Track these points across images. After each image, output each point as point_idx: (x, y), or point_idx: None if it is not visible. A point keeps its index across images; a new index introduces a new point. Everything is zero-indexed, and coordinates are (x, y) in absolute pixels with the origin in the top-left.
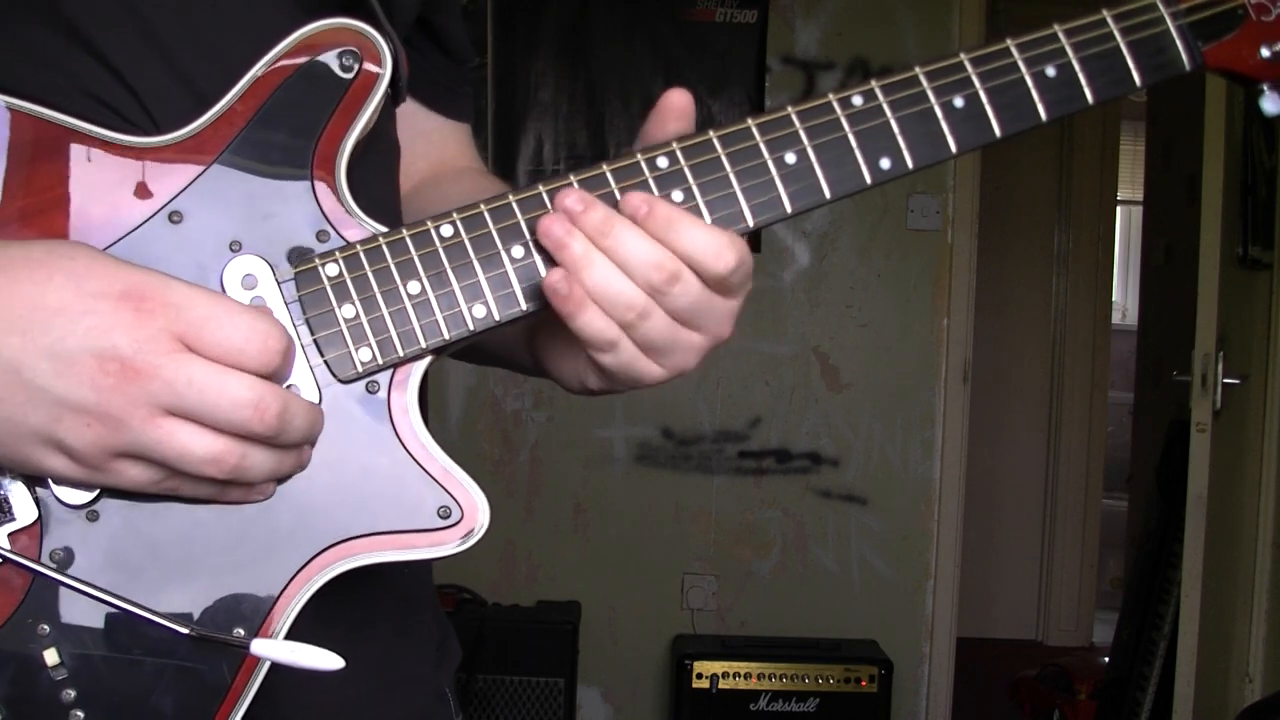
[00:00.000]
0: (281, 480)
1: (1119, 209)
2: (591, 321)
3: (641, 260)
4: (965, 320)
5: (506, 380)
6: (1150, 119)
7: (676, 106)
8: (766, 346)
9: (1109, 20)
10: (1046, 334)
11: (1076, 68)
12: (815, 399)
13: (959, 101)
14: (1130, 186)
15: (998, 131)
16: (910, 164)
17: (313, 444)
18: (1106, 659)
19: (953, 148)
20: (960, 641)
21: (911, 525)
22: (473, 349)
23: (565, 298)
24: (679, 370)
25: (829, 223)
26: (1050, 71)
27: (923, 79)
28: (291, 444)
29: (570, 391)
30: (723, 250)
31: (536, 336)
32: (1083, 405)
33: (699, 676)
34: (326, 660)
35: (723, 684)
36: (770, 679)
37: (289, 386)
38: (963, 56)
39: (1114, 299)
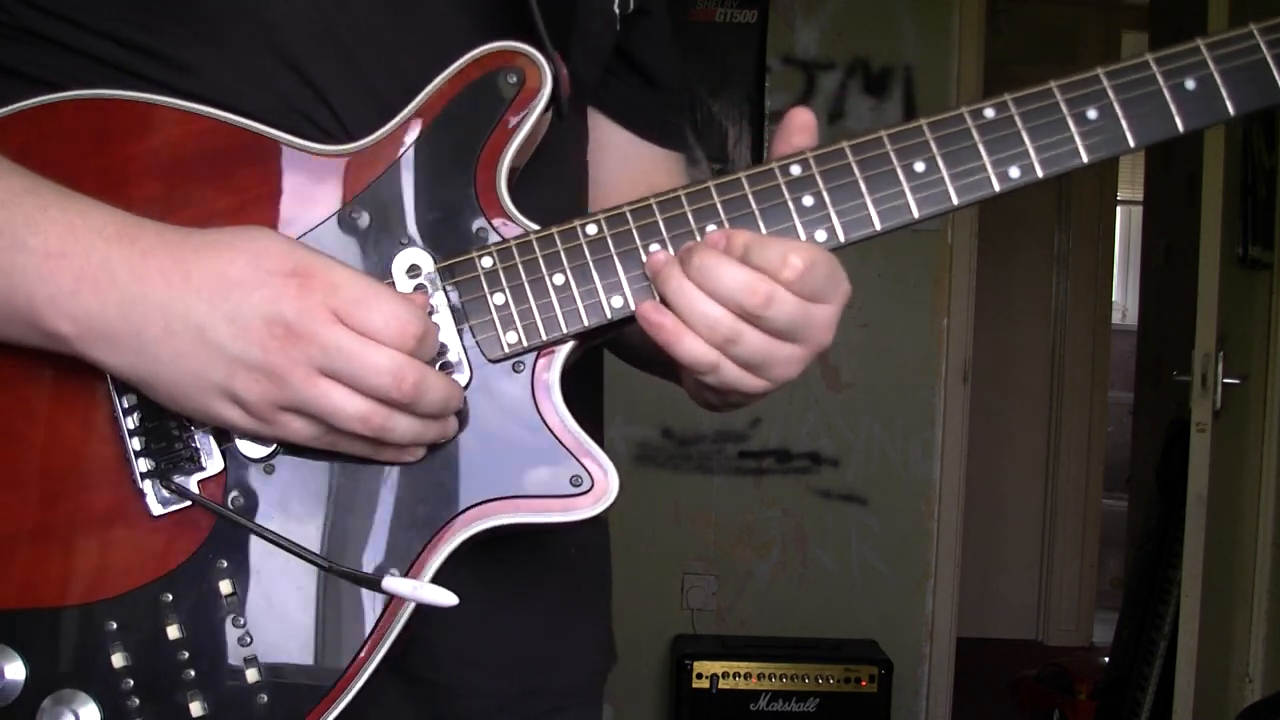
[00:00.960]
0: (432, 447)
1: (1119, 209)
2: (691, 348)
3: (733, 285)
4: (965, 320)
5: None
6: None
7: (800, 123)
8: None
9: (1255, 33)
10: (1046, 334)
11: (1218, 79)
12: (815, 399)
13: (1092, 113)
14: (1130, 186)
15: (1131, 142)
16: (1040, 173)
17: (459, 417)
18: (1106, 659)
19: (1084, 157)
20: (960, 641)
21: (911, 525)
22: (637, 353)
23: (659, 327)
24: (782, 381)
25: None
26: (1190, 84)
27: (1056, 93)
28: (429, 414)
29: (701, 406)
30: (791, 253)
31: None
32: (1083, 405)
33: (699, 676)
34: (445, 598)
35: (723, 684)
36: (770, 679)
37: (444, 365)
38: (1099, 70)
39: (1114, 299)
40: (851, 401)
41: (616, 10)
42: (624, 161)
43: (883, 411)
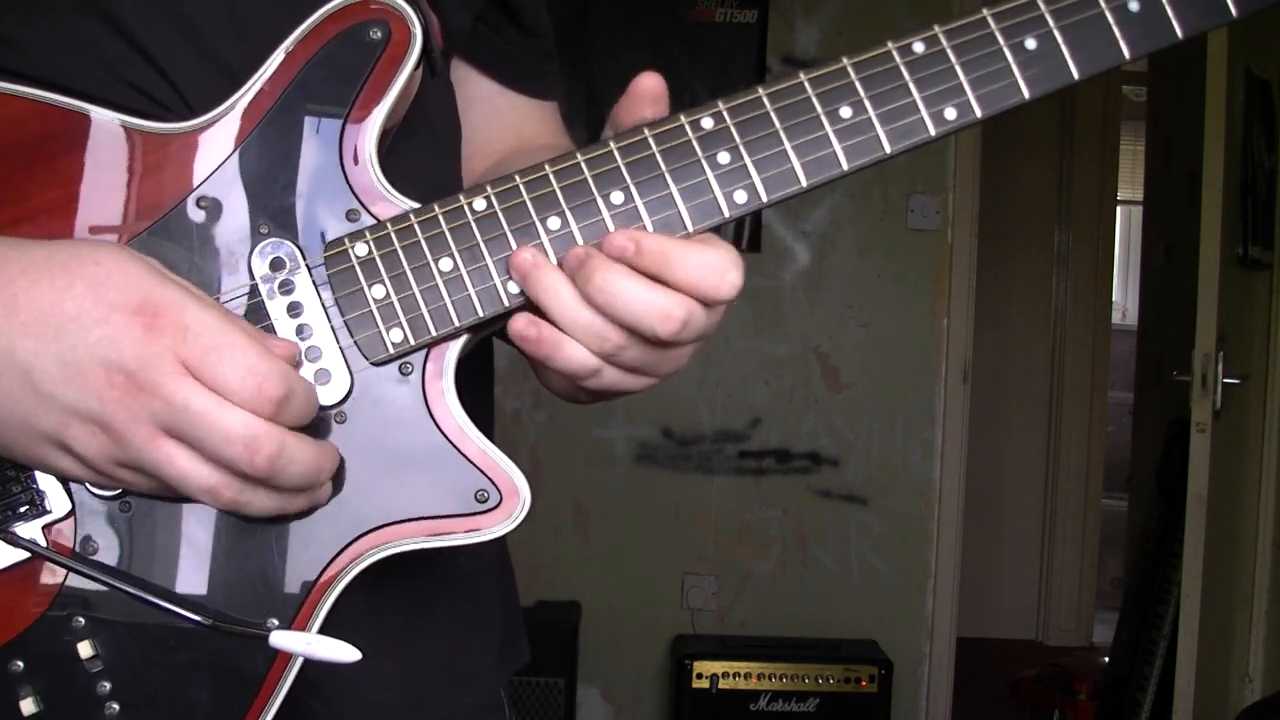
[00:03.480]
0: (295, 516)
1: (1119, 209)
2: (571, 358)
3: (644, 311)
4: (965, 320)
5: (506, 380)
6: (1150, 119)
7: (650, 90)
8: (766, 346)
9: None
10: (1046, 334)
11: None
12: (815, 399)
13: (1031, 43)
14: (1130, 186)
15: (1074, 72)
16: (978, 112)
17: (333, 480)
18: (1106, 659)
19: (1025, 92)
20: (960, 641)
21: (911, 525)
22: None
23: (536, 341)
24: (668, 376)
25: (829, 222)
26: (1133, 5)
27: (990, 21)
28: (290, 488)
29: (562, 399)
30: (727, 270)
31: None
32: (1083, 405)
33: (699, 676)
34: (344, 653)
35: (723, 684)
36: (770, 679)
37: (319, 372)
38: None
39: (1114, 299)
40: (851, 401)
41: None
42: (494, 115)
43: (883, 411)
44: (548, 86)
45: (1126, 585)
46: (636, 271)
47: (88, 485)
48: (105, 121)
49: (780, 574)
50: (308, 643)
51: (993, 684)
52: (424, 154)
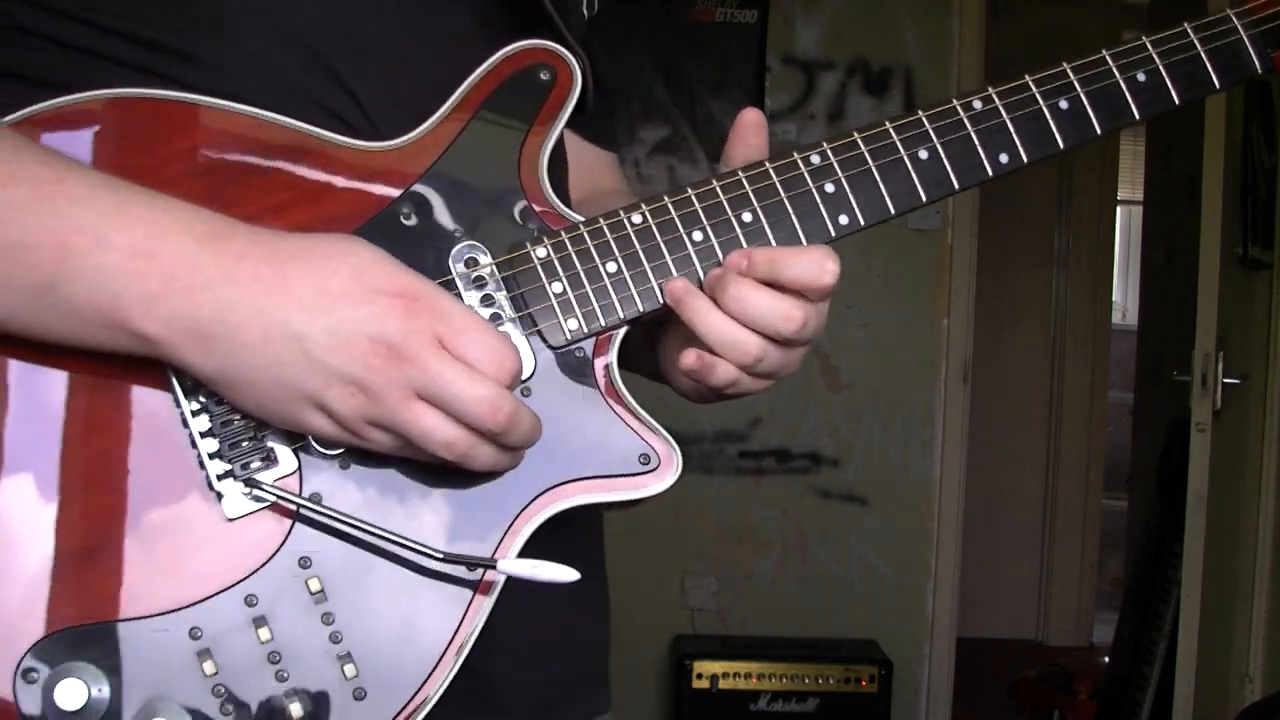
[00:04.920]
0: (499, 474)
1: (1119, 209)
2: (722, 375)
3: (771, 314)
4: (965, 320)
5: None
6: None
7: (753, 122)
8: None
9: (1189, 31)
10: (1046, 334)
11: (1163, 73)
12: (815, 399)
13: (1064, 104)
14: (1130, 186)
15: (1097, 129)
16: (1025, 158)
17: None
18: (1106, 659)
19: (1060, 143)
20: (960, 641)
21: (911, 525)
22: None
23: (702, 369)
24: (785, 376)
25: None
26: (1140, 77)
27: (1031, 85)
28: (514, 445)
29: (690, 400)
30: (824, 261)
31: (662, 345)
32: (1083, 405)
33: (699, 676)
34: (564, 574)
35: (723, 684)
36: (770, 679)
37: None
38: (1065, 65)
39: (1114, 299)
40: (851, 401)
41: (585, 13)
42: (574, 163)
43: (883, 411)
44: (611, 138)
45: (1126, 585)
46: (757, 282)
47: (314, 444)
48: (318, 137)
49: (780, 574)
50: (533, 566)
51: (993, 684)
52: (558, 183)
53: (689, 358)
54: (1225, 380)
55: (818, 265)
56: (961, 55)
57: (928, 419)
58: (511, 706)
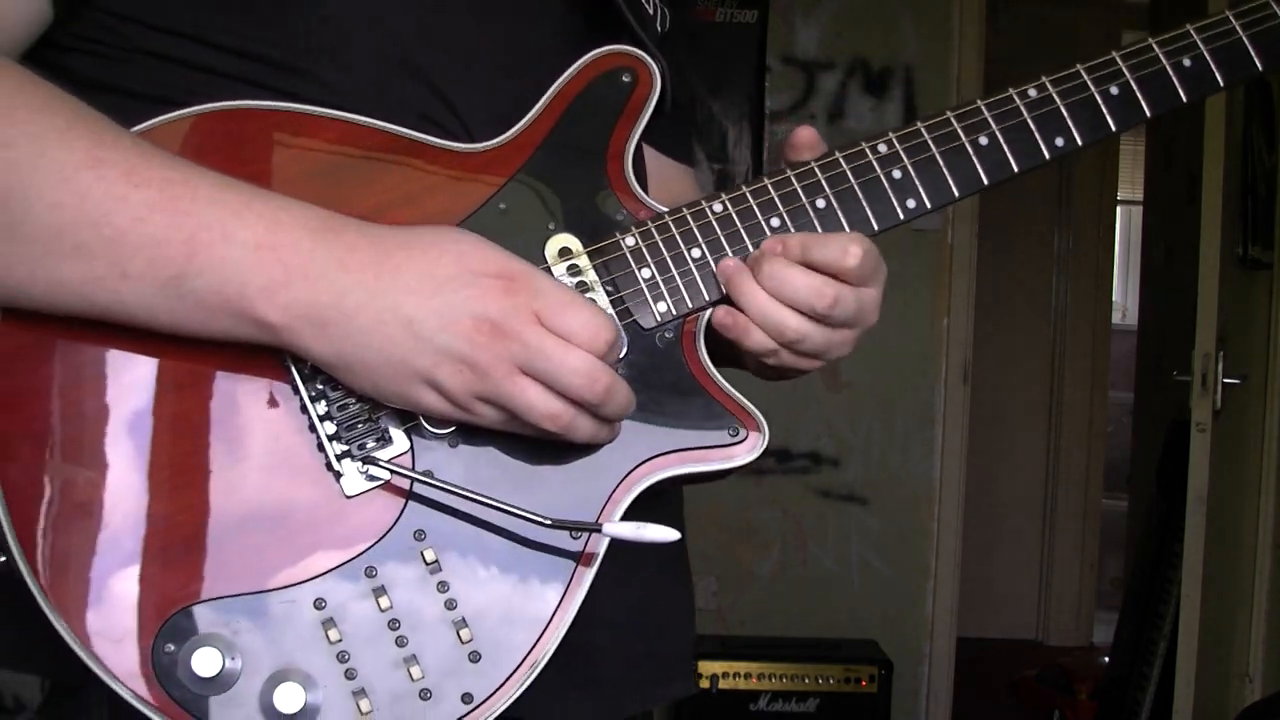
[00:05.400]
0: (598, 446)
1: (1119, 209)
2: (757, 341)
3: (804, 290)
4: (965, 320)
5: None
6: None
7: (808, 140)
8: None
9: (1231, 18)
10: (1046, 334)
11: (1208, 58)
12: (815, 399)
13: (1114, 89)
14: (1130, 186)
15: (1147, 112)
16: (1079, 141)
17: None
18: (1106, 659)
19: (1112, 126)
20: (960, 641)
21: (911, 525)
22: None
23: (732, 327)
24: (836, 358)
25: None
26: (1186, 62)
27: (1083, 73)
28: (610, 416)
29: (755, 375)
30: (848, 244)
31: None
32: (1083, 405)
33: (699, 676)
34: (667, 534)
35: (723, 684)
36: (770, 679)
37: None
38: (1115, 54)
39: (1114, 299)
40: (851, 401)
41: (659, 29)
42: (652, 176)
43: (883, 411)
44: (688, 152)
45: (1126, 585)
46: (791, 261)
47: (425, 423)
48: (419, 141)
49: (780, 574)
50: (638, 528)
51: (993, 684)
52: (641, 181)
53: (719, 312)
54: (1225, 380)
55: (841, 248)
56: (961, 55)
57: (928, 419)
58: (604, 680)
